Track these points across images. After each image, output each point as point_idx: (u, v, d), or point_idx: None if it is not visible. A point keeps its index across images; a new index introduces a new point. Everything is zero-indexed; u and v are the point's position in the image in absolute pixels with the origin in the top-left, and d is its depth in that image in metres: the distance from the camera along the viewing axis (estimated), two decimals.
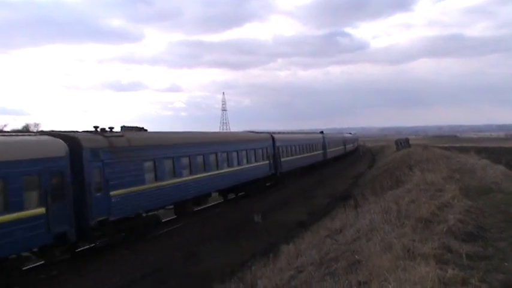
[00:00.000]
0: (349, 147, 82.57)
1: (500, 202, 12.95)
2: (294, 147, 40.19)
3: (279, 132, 46.01)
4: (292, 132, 55.38)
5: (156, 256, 16.52)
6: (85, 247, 16.72)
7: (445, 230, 9.26)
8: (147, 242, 18.33)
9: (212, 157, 24.67)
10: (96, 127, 17.22)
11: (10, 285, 12.44)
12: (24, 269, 13.60)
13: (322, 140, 54.87)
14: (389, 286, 6.20)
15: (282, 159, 35.78)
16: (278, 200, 29.03)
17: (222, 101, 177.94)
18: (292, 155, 39.27)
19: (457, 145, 79.96)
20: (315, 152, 49.33)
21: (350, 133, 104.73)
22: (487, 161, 28.70)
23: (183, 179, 21.55)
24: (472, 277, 6.42)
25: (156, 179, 19.24)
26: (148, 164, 18.88)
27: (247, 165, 29.25)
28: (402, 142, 67.85)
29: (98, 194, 15.28)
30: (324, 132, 65.63)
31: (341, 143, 71.57)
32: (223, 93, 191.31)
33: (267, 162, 32.54)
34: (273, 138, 34.68)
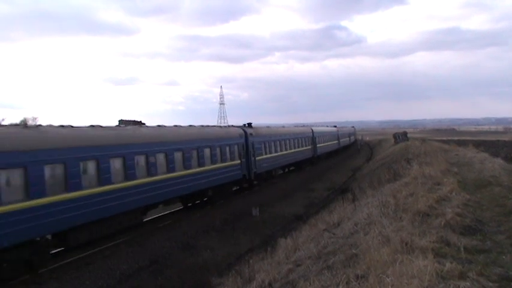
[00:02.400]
0: (329, 146, 56.48)
1: (499, 195, 12.93)
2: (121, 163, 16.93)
3: (176, 126, 22.87)
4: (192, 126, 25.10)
5: (153, 248, 16.52)
6: None
7: (443, 223, 9.25)
8: (143, 235, 18.32)
9: None
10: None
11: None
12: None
13: (244, 140, 28.67)
14: (387, 280, 6.17)
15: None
16: None
17: (220, 95, 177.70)
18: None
19: (456, 138, 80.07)
20: (202, 168, 22.72)
21: (335, 126, 74.45)
22: (485, 154, 28.69)
23: None
24: (470, 270, 6.40)
25: None
26: None
27: None
28: (400, 135, 68.06)
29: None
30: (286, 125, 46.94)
31: (306, 141, 44.66)
32: (221, 86, 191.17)
33: None
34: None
